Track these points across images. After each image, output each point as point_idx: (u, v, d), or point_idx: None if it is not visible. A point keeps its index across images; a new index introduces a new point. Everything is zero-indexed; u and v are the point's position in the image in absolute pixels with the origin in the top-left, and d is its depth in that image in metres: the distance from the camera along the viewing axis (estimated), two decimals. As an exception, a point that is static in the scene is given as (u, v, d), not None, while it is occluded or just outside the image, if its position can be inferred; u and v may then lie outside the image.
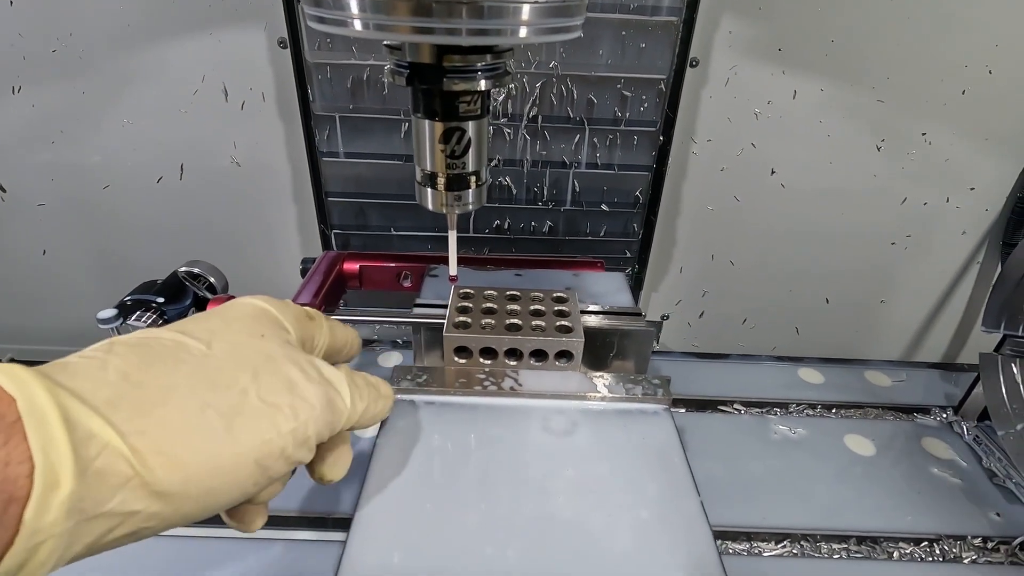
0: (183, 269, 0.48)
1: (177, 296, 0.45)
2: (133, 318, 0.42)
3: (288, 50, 0.63)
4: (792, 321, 0.86)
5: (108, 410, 0.21)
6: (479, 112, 0.31)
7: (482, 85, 0.30)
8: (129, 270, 0.79)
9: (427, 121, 0.31)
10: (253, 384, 0.26)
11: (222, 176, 0.72)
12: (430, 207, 0.35)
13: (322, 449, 0.29)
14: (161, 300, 0.43)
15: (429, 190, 0.34)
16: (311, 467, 0.29)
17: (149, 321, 0.42)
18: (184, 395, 0.24)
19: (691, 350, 0.88)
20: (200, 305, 0.46)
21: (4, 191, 0.72)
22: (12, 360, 0.81)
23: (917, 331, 0.86)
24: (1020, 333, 0.44)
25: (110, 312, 0.41)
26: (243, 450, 0.24)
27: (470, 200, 0.35)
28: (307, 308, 0.33)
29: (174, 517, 0.23)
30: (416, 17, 0.24)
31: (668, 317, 0.86)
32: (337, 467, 0.29)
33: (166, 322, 0.43)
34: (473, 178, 0.34)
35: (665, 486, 0.30)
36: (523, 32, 0.26)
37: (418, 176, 0.35)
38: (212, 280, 0.49)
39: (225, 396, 0.25)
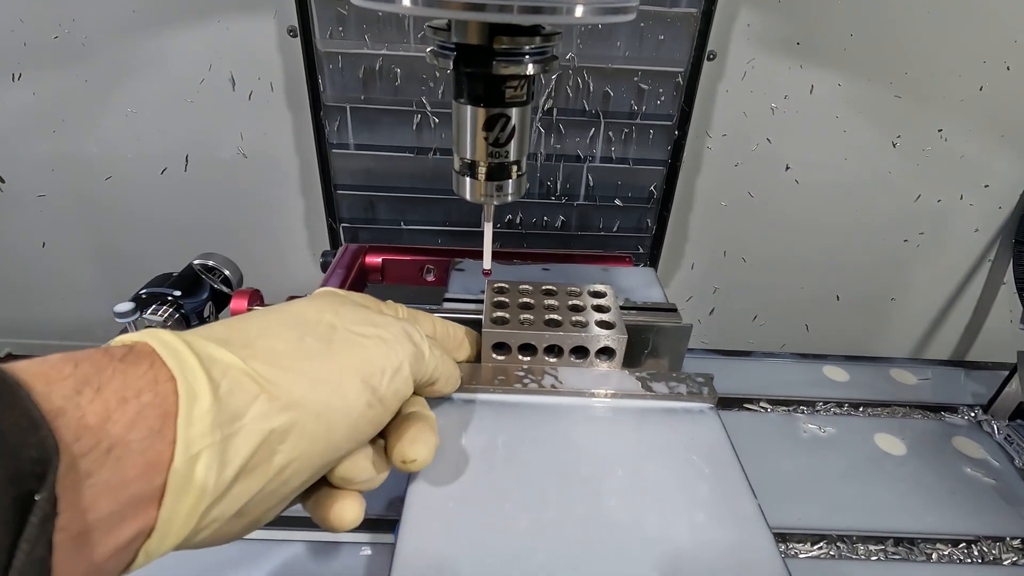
0: (198, 262, 0.46)
1: (193, 289, 0.43)
2: (149, 312, 0.40)
3: (298, 39, 0.61)
4: (802, 318, 0.85)
5: (222, 344, 0.24)
6: (524, 98, 0.30)
7: (531, 69, 0.28)
8: (131, 263, 0.77)
9: (470, 107, 0.30)
10: (338, 320, 0.28)
11: (228, 168, 0.71)
12: (468, 197, 0.34)
13: (400, 426, 0.30)
14: (178, 293, 0.42)
15: (468, 179, 0.33)
16: (390, 448, 0.29)
17: (166, 315, 0.40)
18: (280, 331, 0.26)
19: (701, 346, 0.87)
20: (217, 299, 0.44)
21: (3, 181, 0.70)
22: (10, 355, 0.79)
23: (927, 328, 0.86)
24: (1060, 330, 0.44)
25: (127, 306, 0.39)
26: (345, 365, 0.26)
27: (510, 191, 0.33)
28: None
29: (304, 442, 0.24)
30: (469, -7, 0.23)
31: (679, 314, 0.85)
32: (418, 445, 0.28)
33: (183, 316, 0.42)
34: (514, 168, 0.33)
35: (719, 487, 0.29)
36: (579, 11, 0.25)
37: (456, 165, 0.33)
38: (227, 273, 0.47)
39: (316, 328, 0.27)
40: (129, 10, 0.61)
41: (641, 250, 0.77)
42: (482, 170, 0.32)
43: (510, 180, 0.33)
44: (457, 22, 0.27)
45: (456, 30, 0.28)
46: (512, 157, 0.32)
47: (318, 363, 0.26)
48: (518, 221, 0.74)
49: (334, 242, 0.74)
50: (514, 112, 0.30)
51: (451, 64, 0.28)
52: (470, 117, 0.30)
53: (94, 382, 0.20)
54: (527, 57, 0.28)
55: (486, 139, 0.31)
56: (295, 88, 0.66)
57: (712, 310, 0.86)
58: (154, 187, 0.71)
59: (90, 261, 0.76)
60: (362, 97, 0.65)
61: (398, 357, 0.28)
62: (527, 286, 0.40)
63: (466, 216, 0.72)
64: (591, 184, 0.72)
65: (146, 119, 0.67)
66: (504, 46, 0.27)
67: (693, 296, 0.84)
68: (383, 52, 0.62)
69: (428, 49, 0.30)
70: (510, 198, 0.34)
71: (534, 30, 0.28)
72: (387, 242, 0.73)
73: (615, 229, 0.76)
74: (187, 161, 0.70)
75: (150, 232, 0.74)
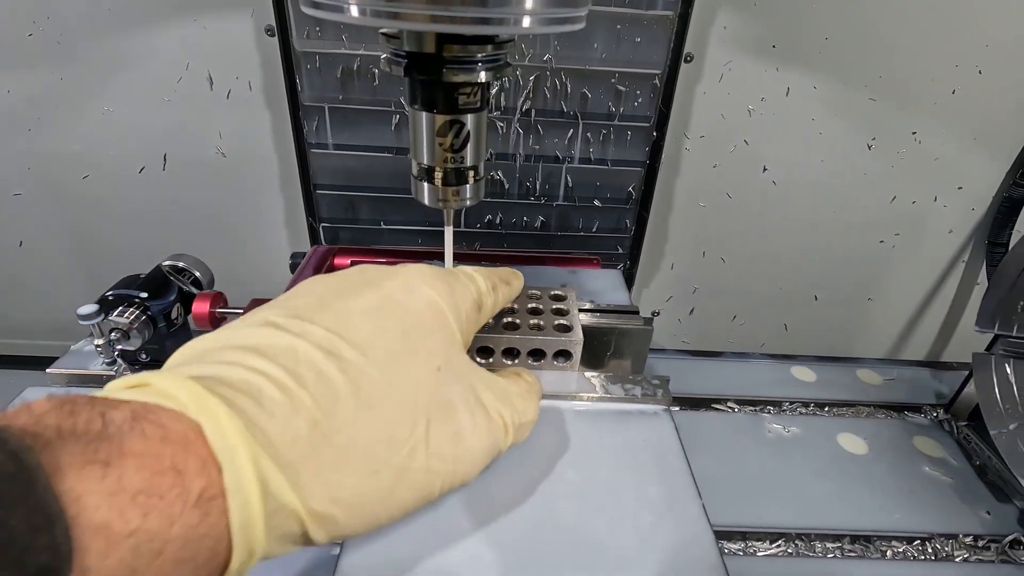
0: (167, 263, 0.46)
1: (161, 291, 0.43)
2: (115, 314, 0.40)
3: (276, 38, 0.61)
4: (781, 318, 0.86)
5: (295, 473, 0.21)
6: (479, 104, 0.31)
7: (482, 76, 0.29)
8: (110, 262, 0.77)
9: (424, 113, 0.30)
10: (424, 441, 0.25)
11: (207, 167, 0.71)
12: (427, 202, 0.34)
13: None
14: (144, 295, 0.42)
15: (426, 184, 0.33)
16: None
17: (132, 317, 0.40)
18: (361, 455, 0.23)
19: (681, 346, 0.88)
20: (186, 300, 0.44)
21: (-22, 180, 0.70)
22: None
23: (903, 328, 0.87)
24: (1014, 333, 0.45)
25: (91, 308, 0.39)
26: (398, 511, 0.25)
27: (468, 195, 0.34)
28: (479, 284, 0.32)
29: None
30: (417, 3, 0.23)
31: (659, 313, 0.86)
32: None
33: (150, 318, 0.42)
34: (471, 173, 0.33)
35: (666, 489, 0.30)
36: (526, 22, 0.25)
37: (414, 170, 0.34)
38: (197, 274, 0.47)
39: (397, 455, 0.24)
40: (105, 8, 0.61)
41: (620, 250, 0.78)
42: (439, 175, 0.32)
43: (467, 185, 0.33)
44: (408, 30, 0.28)
45: (407, 38, 0.28)
46: (469, 162, 0.32)
47: (374, 510, 0.24)
48: (498, 221, 0.75)
49: (315, 242, 0.74)
50: (469, 118, 0.31)
51: (403, 71, 0.29)
52: (425, 123, 0.31)
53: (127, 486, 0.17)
54: (479, 65, 0.28)
55: (441, 145, 0.31)
56: (273, 87, 0.66)
57: (692, 309, 0.86)
58: (132, 186, 0.71)
59: (68, 260, 0.76)
60: (340, 97, 0.65)
61: (461, 482, 0.27)
62: (488, 289, 0.40)
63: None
64: (570, 184, 0.73)
65: (123, 117, 0.67)
66: (455, 54, 0.28)
67: (673, 296, 0.85)
68: (361, 52, 0.62)
69: (382, 56, 0.30)
70: (468, 202, 0.34)
71: (485, 39, 0.28)
72: (368, 241, 0.74)
73: (594, 229, 0.76)
74: (165, 160, 0.70)
75: (129, 230, 0.74)
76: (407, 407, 0.24)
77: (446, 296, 0.28)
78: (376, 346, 0.25)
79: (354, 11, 0.24)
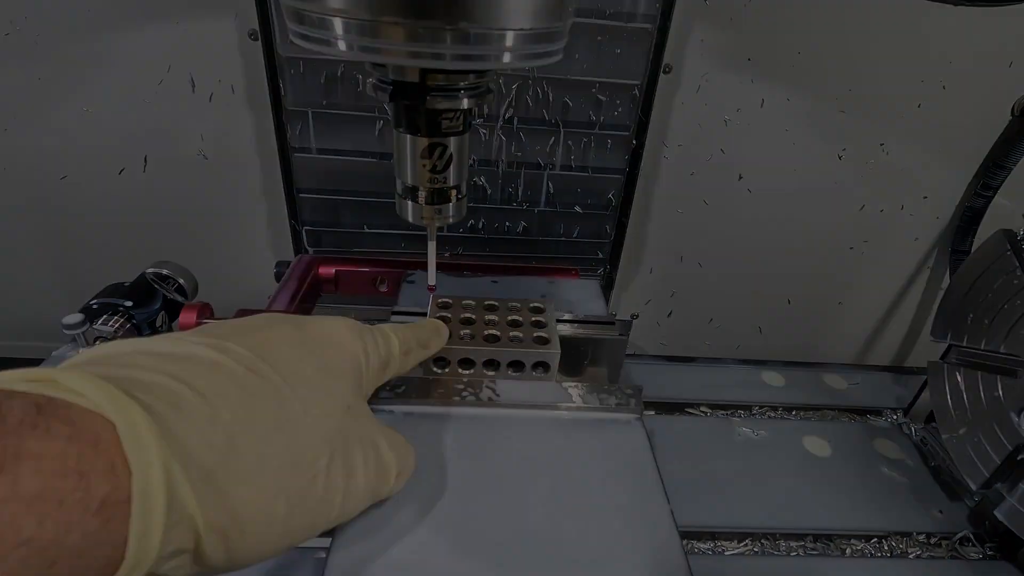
0: (151, 270, 0.47)
1: (145, 299, 0.44)
2: (99, 322, 0.41)
3: (259, 42, 0.62)
4: (756, 321, 0.89)
5: (203, 484, 0.20)
6: (461, 128, 0.32)
7: (465, 104, 0.30)
8: (89, 265, 0.76)
9: (409, 136, 0.31)
10: (325, 471, 0.26)
11: (189, 169, 0.70)
12: (410, 219, 0.35)
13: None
14: (129, 304, 0.42)
15: (410, 203, 0.34)
16: None
17: (117, 325, 0.41)
18: (269, 475, 0.23)
19: (659, 348, 0.90)
20: (170, 308, 0.45)
21: (-47, 181, 0.69)
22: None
23: (872, 332, 0.91)
24: (964, 344, 0.47)
25: (76, 317, 0.39)
26: (290, 540, 0.25)
27: (451, 213, 0.35)
28: (392, 348, 0.33)
29: None
30: (402, 41, 0.24)
31: (638, 316, 0.88)
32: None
33: (134, 326, 0.42)
34: (454, 192, 0.34)
35: (636, 495, 0.31)
36: (506, 58, 0.26)
37: (399, 188, 0.35)
38: (182, 282, 0.48)
39: (299, 480, 0.24)
40: (84, 9, 0.61)
41: (600, 255, 0.79)
42: (422, 195, 0.33)
43: (450, 204, 0.35)
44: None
45: (392, 68, 0.29)
46: (451, 182, 0.34)
47: (269, 536, 0.23)
48: (480, 227, 0.76)
49: (297, 245, 0.75)
50: (452, 141, 0.32)
51: (389, 98, 0.30)
52: (409, 145, 0.32)
53: None
54: (462, 92, 0.30)
55: (425, 166, 0.32)
56: (257, 91, 0.66)
57: (670, 313, 0.88)
58: (112, 187, 0.70)
59: (46, 261, 0.75)
60: (324, 102, 0.66)
61: (341, 520, 0.27)
62: (470, 302, 0.42)
63: (428, 220, 0.73)
64: (551, 191, 0.74)
65: (103, 119, 0.66)
66: (438, 83, 0.29)
67: (652, 300, 0.87)
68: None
69: (369, 82, 0.31)
70: (451, 220, 0.36)
71: (467, 69, 0.29)
72: (350, 245, 0.74)
73: (575, 235, 0.78)
74: (146, 162, 0.70)
75: (108, 232, 0.74)
76: (317, 436, 0.25)
77: (360, 349, 0.31)
78: (295, 375, 0.26)
79: (342, 46, 0.25)
